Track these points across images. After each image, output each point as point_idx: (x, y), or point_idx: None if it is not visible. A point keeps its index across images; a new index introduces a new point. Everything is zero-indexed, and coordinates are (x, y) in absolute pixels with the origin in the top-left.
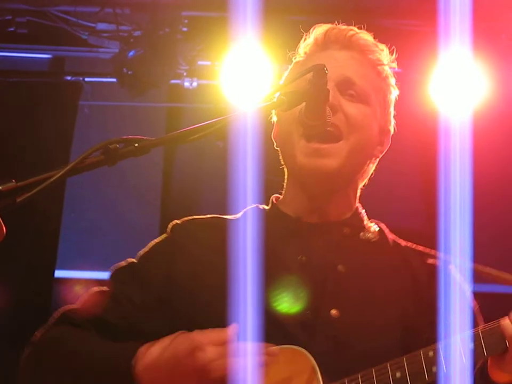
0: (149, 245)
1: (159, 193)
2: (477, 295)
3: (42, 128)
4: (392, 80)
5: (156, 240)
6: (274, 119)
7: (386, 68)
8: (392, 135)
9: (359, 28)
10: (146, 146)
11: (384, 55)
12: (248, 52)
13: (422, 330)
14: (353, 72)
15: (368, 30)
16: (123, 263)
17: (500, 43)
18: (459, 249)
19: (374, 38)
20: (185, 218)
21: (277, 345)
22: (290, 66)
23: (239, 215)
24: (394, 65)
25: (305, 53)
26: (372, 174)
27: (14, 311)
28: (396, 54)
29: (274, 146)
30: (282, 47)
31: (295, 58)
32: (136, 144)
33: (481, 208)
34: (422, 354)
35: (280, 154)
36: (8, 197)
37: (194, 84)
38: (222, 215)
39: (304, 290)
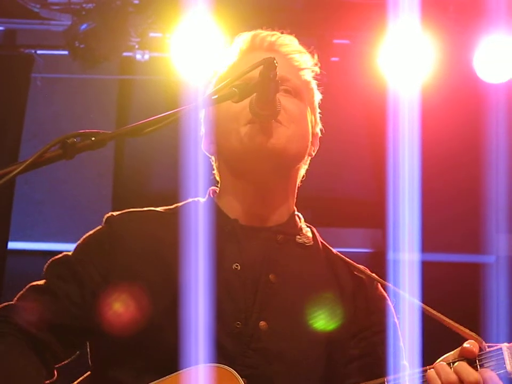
0: (84, 237)
1: (112, 165)
2: (426, 264)
3: None
4: (314, 85)
5: (91, 233)
6: (203, 131)
7: (309, 72)
8: (342, 106)
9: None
10: (103, 140)
11: (306, 59)
12: (200, 23)
13: (345, 343)
14: (283, 70)
15: (317, 2)
16: (59, 256)
17: (447, 14)
18: (407, 217)
19: (322, 10)
20: (122, 211)
21: (210, 356)
22: (216, 73)
23: (175, 208)
24: (317, 68)
25: (235, 56)
26: (303, 177)
27: None
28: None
29: (208, 154)
30: (234, 18)
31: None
32: (93, 138)
33: (429, 176)
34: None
35: (214, 159)
36: None
37: (146, 56)
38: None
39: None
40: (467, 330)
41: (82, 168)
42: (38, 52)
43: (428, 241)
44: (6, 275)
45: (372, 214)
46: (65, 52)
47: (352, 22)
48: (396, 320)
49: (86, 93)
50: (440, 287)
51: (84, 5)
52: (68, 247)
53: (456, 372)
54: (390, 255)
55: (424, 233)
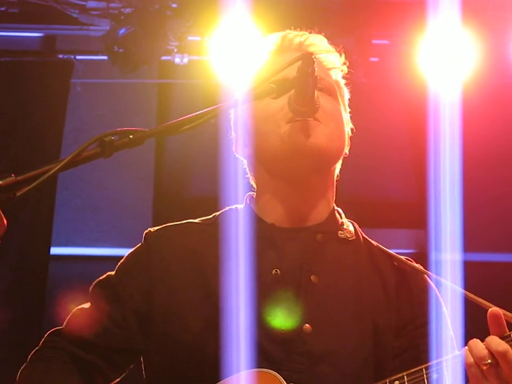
0: (126, 255)
1: (152, 169)
2: (469, 264)
3: (35, 107)
4: (343, 82)
5: (131, 251)
6: (233, 134)
7: (338, 71)
8: (382, 106)
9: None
10: (141, 138)
11: (335, 58)
12: (238, 26)
13: (391, 338)
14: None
15: (355, 2)
16: (102, 277)
17: (487, 12)
18: (449, 217)
19: (361, 10)
20: (159, 227)
21: (255, 363)
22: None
23: (213, 218)
24: (345, 68)
25: (265, 57)
26: (338, 176)
27: (11, 287)
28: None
29: (241, 157)
30: (272, 20)
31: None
32: (131, 136)
33: (470, 176)
34: (424, 370)
35: (248, 163)
36: (8, 191)
37: (185, 59)
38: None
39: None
40: (507, 313)
41: (123, 173)
42: (77, 57)
43: (470, 241)
44: (49, 280)
45: (415, 215)
46: (105, 57)
47: (391, 22)
48: (444, 309)
49: (125, 97)
50: (483, 287)
51: (122, 10)
52: (109, 252)
53: (486, 345)
54: (432, 256)
55: (466, 233)
